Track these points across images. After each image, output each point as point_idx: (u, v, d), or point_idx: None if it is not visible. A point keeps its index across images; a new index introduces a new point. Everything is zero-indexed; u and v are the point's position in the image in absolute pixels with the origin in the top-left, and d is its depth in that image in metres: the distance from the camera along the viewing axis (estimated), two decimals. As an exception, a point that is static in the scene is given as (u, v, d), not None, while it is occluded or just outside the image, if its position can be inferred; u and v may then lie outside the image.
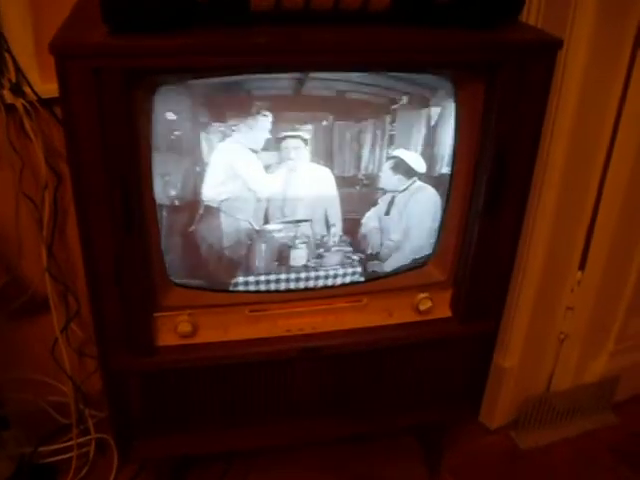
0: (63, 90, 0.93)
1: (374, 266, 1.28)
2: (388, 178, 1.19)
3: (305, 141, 1.12)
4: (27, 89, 1.32)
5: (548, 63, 1.08)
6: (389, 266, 1.29)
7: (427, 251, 1.29)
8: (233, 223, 1.17)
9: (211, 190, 1.12)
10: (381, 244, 1.27)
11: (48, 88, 1.30)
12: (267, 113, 1.06)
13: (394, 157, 1.17)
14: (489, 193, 1.16)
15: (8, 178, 1.40)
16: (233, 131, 1.08)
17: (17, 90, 1.32)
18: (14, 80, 1.31)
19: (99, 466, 1.62)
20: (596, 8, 1.29)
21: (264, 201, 1.17)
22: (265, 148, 1.11)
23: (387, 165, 1.18)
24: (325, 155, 1.15)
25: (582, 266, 1.71)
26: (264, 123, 1.08)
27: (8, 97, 1.32)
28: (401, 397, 1.43)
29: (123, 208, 1.02)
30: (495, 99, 1.08)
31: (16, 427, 1.55)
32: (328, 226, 1.22)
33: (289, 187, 1.16)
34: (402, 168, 1.19)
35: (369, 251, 1.27)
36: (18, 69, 1.30)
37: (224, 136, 1.08)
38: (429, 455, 1.73)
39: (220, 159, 1.10)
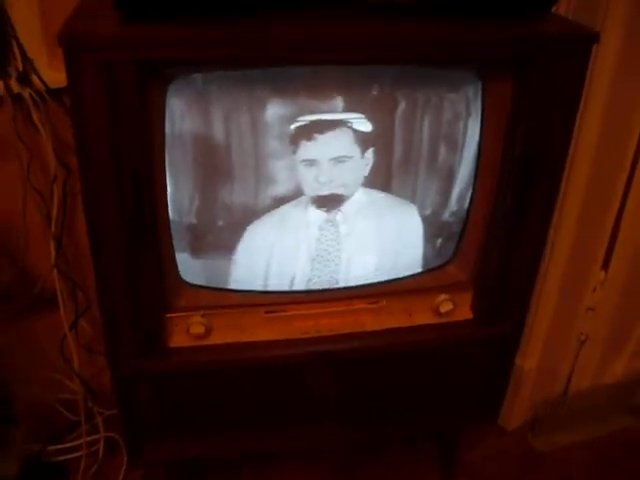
0: (72, 84, 0.88)
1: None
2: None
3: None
4: (35, 78, 1.26)
5: (582, 58, 1.02)
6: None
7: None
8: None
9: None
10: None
11: (57, 77, 1.24)
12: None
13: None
14: (516, 195, 1.11)
15: (16, 171, 1.35)
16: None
17: (24, 79, 1.26)
18: (21, 69, 1.25)
19: (108, 465, 1.59)
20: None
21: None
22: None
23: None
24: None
25: (605, 266, 1.67)
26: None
27: (15, 87, 1.26)
28: (419, 401, 1.38)
29: (135, 206, 0.98)
30: (525, 96, 1.03)
31: (25, 424, 1.53)
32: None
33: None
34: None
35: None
36: (25, 57, 1.23)
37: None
38: (444, 457, 1.70)
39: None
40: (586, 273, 1.67)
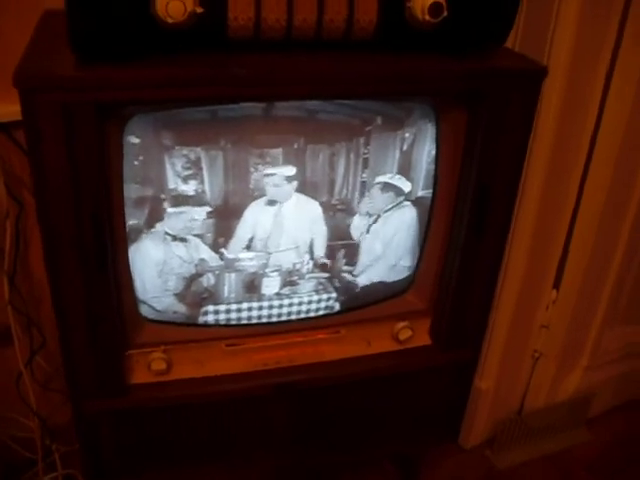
0: (29, 124, 0.86)
1: (346, 283, 1.24)
2: (376, 197, 1.16)
3: (288, 178, 1.08)
4: (-18, 113, 1.23)
5: (533, 91, 1.05)
6: (362, 282, 1.25)
7: (402, 274, 1.26)
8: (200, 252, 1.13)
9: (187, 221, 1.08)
10: (355, 261, 1.23)
11: (5, 111, 1.22)
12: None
13: (381, 182, 1.15)
14: (471, 224, 1.14)
15: (-35, 208, 1.33)
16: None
17: (-30, 114, 1.24)
18: (-34, 103, 1.23)
19: (67, 503, 1.56)
20: (574, 32, 1.28)
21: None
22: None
23: (377, 187, 1.15)
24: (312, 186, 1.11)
25: (556, 285, 1.71)
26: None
27: (-39, 121, 1.24)
28: (381, 426, 1.39)
29: (96, 246, 0.97)
30: (478, 128, 1.06)
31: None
32: (312, 255, 1.19)
33: (275, 222, 1.13)
34: (391, 189, 1.17)
35: (341, 269, 1.23)
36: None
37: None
38: (406, 478, 1.71)
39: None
40: (539, 292, 1.71)
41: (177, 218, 1.06)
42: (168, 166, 1.01)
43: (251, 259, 1.16)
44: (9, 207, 1.33)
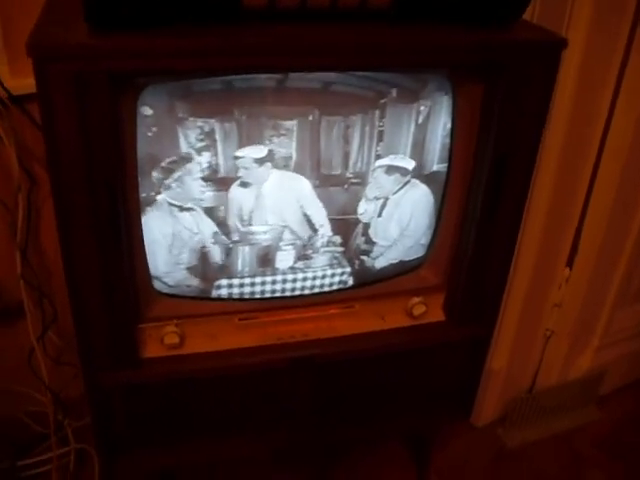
0: (42, 94, 0.85)
1: (364, 265, 1.24)
2: (382, 181, 1.15)
3: (260, 160, 1.06)
4: (-4, 85, 1.23)
5: (551, 64, 1.03)
6: (379, 264, 1.24)
7: (418, 253, 1.26)
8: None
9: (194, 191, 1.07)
10: (373, 243, 1.22)
11: (20, 84, 1.22)
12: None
13: (384, 165, 1.13)
14: (488, 197, 1.12)
15: (-22, 182, 1.32)
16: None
17: (-15, 87, 1.23)
18: (-19, 75, 1.22)
19: (80, 477, 1.56)
20: (593, 5, 1.26)
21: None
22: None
23: (380, 170, 1.13)
24: (299, 162, 1.09)
25: (570, 263, 1.70)
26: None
27: (-25, 94, 1.23)
28: (394, 401, 1.39)
29: (109, 216, 0.96)
30: (495, 101, 1.04)
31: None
32: (314, 228, 1.18)
33: (260, 197, 1.11)
34: (396, 170, 1.15)
35: (359, 250, 1.22)
36: (-16, 63, 1.21)
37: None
38: (418, 456, 1.71)
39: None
40: (552, 270, 1.70)
41: (185, 188, 1.05)
42: (181, 137, 1.00)
43: (265, 232, 1.16)
44: (21, 181, 1.33)
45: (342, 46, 0.95)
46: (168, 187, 1.04)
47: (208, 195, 1.07)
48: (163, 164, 1.02)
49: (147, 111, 0.96)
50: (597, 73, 1.37)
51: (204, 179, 1.05)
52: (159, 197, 1.05)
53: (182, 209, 1.07)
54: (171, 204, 1.06)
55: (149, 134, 0.98)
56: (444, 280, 1.27)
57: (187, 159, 1.02)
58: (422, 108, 1.11)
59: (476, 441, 1.82)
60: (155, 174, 1.02)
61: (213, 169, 1.04)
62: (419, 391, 1.40)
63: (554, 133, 1.41)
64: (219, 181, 1.06)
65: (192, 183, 1.05)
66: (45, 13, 0.96)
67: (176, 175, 1.03)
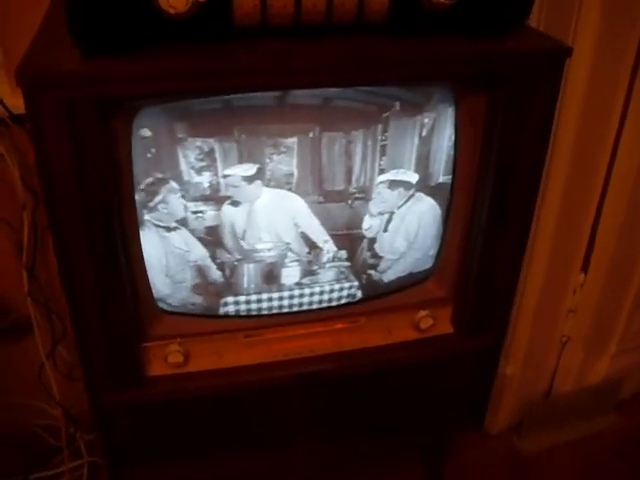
0: (33, 121, 0.86)
1: (372, 279, 1.22)
2: (386, 195, 1.13)
3: (249, 178, 1.04)
4: (-3, 105, 1.22)
5: (555, 73, 1.01)
6: (388, 277, 1.23)
7: (427, 265, 1.24)
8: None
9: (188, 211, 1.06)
10: (380, 257, 1.21)
11: (21, 102, 1.21)
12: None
13: (387, 180, 1.12)
14: (493, 209, 1.10)
15: (-18, 201, 1.33)
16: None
17: (-14, 106, 1.23)
18: (-19, 95, 1.22)
19: (92, 491, 1.57)
20: (601, 9, 1.22)
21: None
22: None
23: (382, 185, 1.12)
24: (301, 179, 1.07)
25: (584, 268, 1.67)
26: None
27: (-25, 114, 1.23)
28: (405, 415, 1.38)
29: (105, 238, 0.96)
30: (498, 112, 1.02)
31: (6, 452, 1.50)
32: (315, 245, 1.16)
33: (252, 215, 1.10)
34: (399, 184, 1.13)
35: (366, 264, 1.21)
36: (-15, 83, 1.21)
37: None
38: (431, 465, 1.69)
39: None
40: (566, 276, 1.67)
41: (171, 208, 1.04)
42: (181, 158, 0.99)
43: (269, 250, 1.15)
44: (26, 199, 1.33)
45: (339, 61, 0.93)
46: (154, 209, 1.03)
47: (203, 214, 1.06)
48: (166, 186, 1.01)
49: (146, 133, 0.96)
50: (607, 79, 1.34)
51: (196, 199, 1.04)
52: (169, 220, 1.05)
53: (169, 229, 1.07)
54: (158, 225, 1.06)
55: (148, 155, 0.97)
56: (451, 292, 1.25)
57: (181, 179, 1.01)
58: (426, 121, 1.09)
59: (491, 449, 1.80)
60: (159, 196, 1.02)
61: (208, 188, 1.03)
62: (429, 402, 1.39)
63: (564, 139, 1.38)
64: (211, 200, 1.05)
65: (185, 203, 1.04)
66: (40, 34, 0.96)
67: (161, 196, 1.02)
